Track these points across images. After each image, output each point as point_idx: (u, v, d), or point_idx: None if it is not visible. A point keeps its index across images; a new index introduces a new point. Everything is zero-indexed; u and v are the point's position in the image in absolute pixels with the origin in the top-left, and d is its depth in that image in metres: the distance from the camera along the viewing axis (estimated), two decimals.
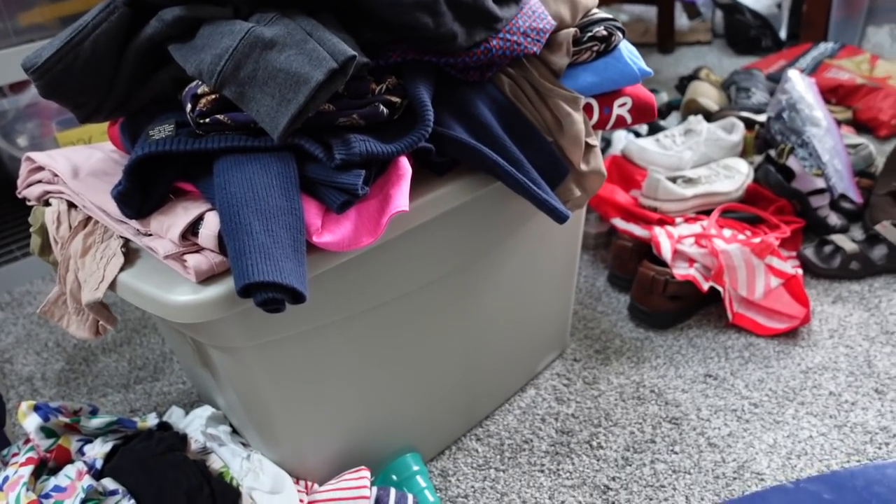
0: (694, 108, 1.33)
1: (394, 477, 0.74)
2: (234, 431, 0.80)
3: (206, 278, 0.51)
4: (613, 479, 0.76)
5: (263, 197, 0.49)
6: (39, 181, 0.66)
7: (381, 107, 0.56)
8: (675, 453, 0.78)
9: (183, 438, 0.72)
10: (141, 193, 0.53)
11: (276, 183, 0.51)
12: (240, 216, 0.48)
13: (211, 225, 0.51)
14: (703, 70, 1.54)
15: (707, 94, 1.35)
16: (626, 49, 0.71)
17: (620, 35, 0.70)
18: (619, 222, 1.05)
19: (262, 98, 0.51)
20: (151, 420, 0.75)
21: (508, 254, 0.75)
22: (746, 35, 2.10)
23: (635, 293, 0.98)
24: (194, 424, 0.79)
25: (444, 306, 0.71)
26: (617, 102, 0.70)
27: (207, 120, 0.53)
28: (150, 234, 0.54)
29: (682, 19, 2.35)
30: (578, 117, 0.66)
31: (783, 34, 2.11)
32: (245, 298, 0.47)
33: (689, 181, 1.08)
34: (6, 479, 0.68)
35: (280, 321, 0.57)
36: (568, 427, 0.83)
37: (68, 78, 0.53)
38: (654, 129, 1.30)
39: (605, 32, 0.68)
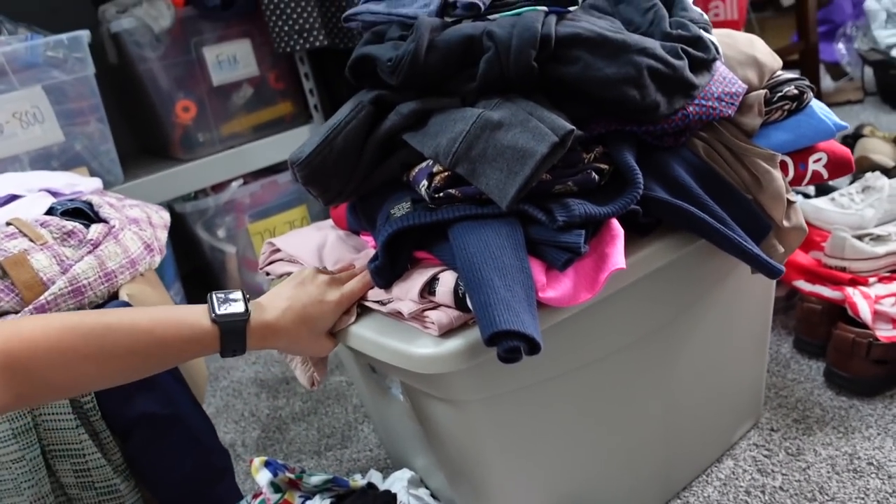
0: (867, 166, 1.27)
1: None
2: (433, 496, 0.82)
3: (445, 333, 0.56)
4: None
5: (499, 256, 0.54)
6: (280, 260, 0.75)
7: (593, 173, 0.61)
8: None
9: (394, 497, 0.75)
10: (391, 266, 0.60)
11: (507, 244, 0.55)
12: (482, 273, 0.53)
13: (447, 282, 0.56)
14: (867, 127, 1.47)
15: (879, 149, 1.29)
16: (818, 105, 0.71)
17: (811, 93, 0.71)
18: (803, 284, 1.01)
19: (492, 172, 0.56)
20: (360, 480, 0.80)
21: (704, 314, 0.75)
22: None
23: (832, 358, 0.93)
24: (396, 486, 0.83)
25: (644, 366, 0.72)
26: (812, 158, 0.70)
27: (441, 194, 0.59)
28: (392, 301, 0.60)
29: (825, 80, 2.27)
30: (777, 174, 0.66)
31: None
32: (490, 347, 0.51)
33: (877, 238, 1.03)
34: None
35: (507, 375, 0.60)
36: (778, 501, 0.78)
37: (324, 168, 0.62)
38: (822, 191, 1.25)
39: (795, 91, 0.69)
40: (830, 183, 1.30)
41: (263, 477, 0.75)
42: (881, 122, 1.92)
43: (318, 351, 0.66)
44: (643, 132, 0.64)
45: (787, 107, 0.69)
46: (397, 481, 0.83)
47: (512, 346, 0.49)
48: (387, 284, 0.60)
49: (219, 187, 1.45)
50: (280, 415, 1.18)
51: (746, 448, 0.87)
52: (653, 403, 0.74)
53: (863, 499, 0.76)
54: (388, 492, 0.75)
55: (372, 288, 0.63)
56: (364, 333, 0.61)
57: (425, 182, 0.59)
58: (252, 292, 1.52)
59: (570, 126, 0.56)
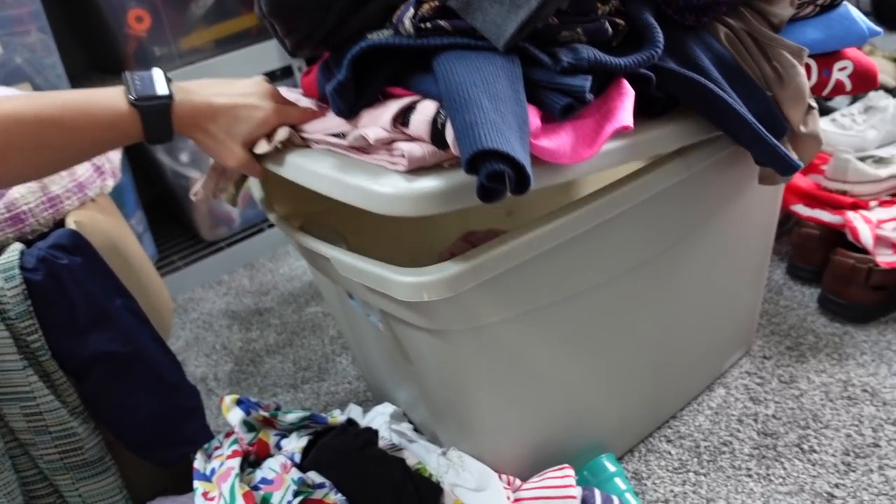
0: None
1: (590, 478, 0.70)
2: (416, 430, 0.79)
3: (417, 171, 0.48)
4: (837, 486, 0.68)
5: (492, 82, 0.46)
6: None
7: (607, 24, 0.53)
8: None
9: (375, 433, 0.72)
10: (356, 89, 0.52)
11: (502, 73, 0.48)
12: (469, 94, 0.45)
13: (426, 111, 0.48)
14: (867, 46, 1.41)
15: (882, 68, 1.23)
16: (851, 6, 0.65)
17: None
18: (801, 209, 0.97)
19: (490, 5, 0.48)
20: (340, 416, 0.76)
21: (708, 236, 0.70)
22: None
23: (829, 284, 0.90)
24: (377, 421, 0.79)
25: (642, 293, 0.67)
26: (837, 65, 0.63)
27: (428, 24, 0.50)
28: (355, 130, 0.52)
29: None
30: (802, 71, 0.60)
31: None
32: (470, 174, 0.43)
33: (880, 161, 0.98)
34: (213, 470, 0.70)
35: (493, 303, 0.55)
36: (770, 429, 0.76)
37: None
38: (823, 111, 1.19)
39: None
40: (830, 104, 1.24)
41: (235, 416, 0.70)
42: (875, 42, 1.84)
43: (226, 157, 0.59)
44: (663, 1, 0.57)
45: (819, 2, 0.62)
46: (378, 416, 0.79)
47: (496, 169, 0.42)
48: (348, 108, 0.52)
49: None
50: (253, 347, 1.13)
51: (738, 376, 0.85)
52: (646, 332, 0.70)
53: (857, 425, 0.74)
54: (368, 428, 0.71)
55: (316, 118, 0.56)
56: (311, 166, 0.52)
57: (411, 10, 0.51)
58: (222, 223, 1.45)
59: None
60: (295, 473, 0.65)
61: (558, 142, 0.48)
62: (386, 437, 0.75)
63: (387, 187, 0.45)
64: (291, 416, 0.72)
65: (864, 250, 0.88)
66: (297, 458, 0.69)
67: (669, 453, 0.76)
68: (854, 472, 0.69)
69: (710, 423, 0.79)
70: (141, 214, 1.34)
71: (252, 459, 0.71)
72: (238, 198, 0.75)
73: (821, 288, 0.92)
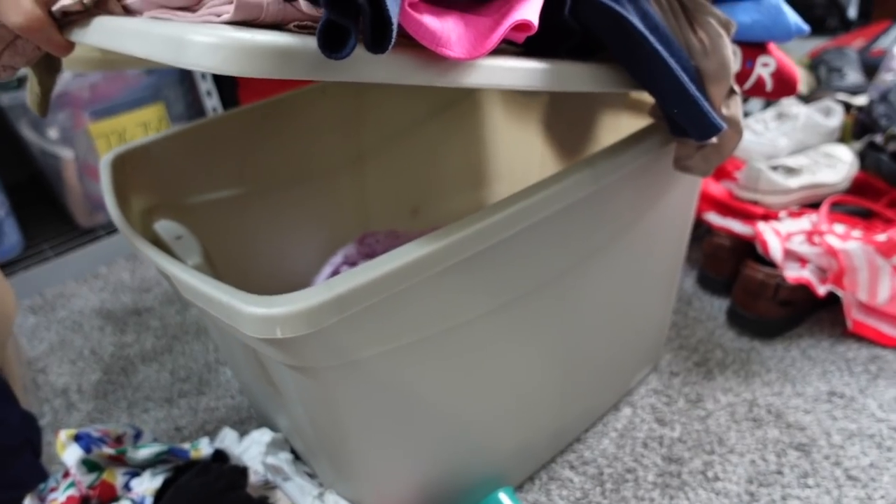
0: None
1: None
2: (297, 458, 0.71)
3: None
4: None
5: None
6: None
7: None
8: (809, 487, 0.67)
9: (243, 472, 0.63)
10: None
11: None
12: None
13: None
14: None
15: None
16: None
17: None
18: (714, 218, 0.94)
19: None
20: (205, 448, 0.66)
21: (617, 252, 0.65)
22: (811, 15, 1.95)
23: (738, 297, 0.87)
24: (252, 451, 0.70)
25: (544, 314, 0.61)
26: (761, 59, 0.59)
27: None
28: None
29: None
30: (729, 44, 0.54)
31: (853, 13, 1.96)
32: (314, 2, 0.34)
33: (790, 171, 0.97)
34: None
35: (367, 336, 0.47)
36: (676, 454, 0.72)
37: None
38: None
39: None
40: (744, 107, 1.23)
41: (72, 455, 0.59)
42: (786, 46, 1.87)
43: (7, 8, 0.44)
44: None
45: None
46: (255, 445, 0.70)
47: None
48: None
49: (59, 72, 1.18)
50: (127, 353, 1.01)
51: (646, 394, 0.81)
52: (547, 354, 0.64)
53: (761, 450, 0.72)
54: (235, 467, 0.62)
55: None
56: (121, 25, 0.40)
57: None
58: (101, 208, 1.29)
59: None
60: None
61: (445, 27, 0.39)
62: (260, 473, 0.66)
63: (203, 36, 0.34)
64: (144, 452, 0.62)
65: (772, 264, 0.86)
66: (148, 503, 0.59)
67: (572, 481, 0.71)
68: (757, 501, 0.66)
69: (615, 448, 0.74)
70: (3, 197, 1.18)
71: (95, 503, 0.61)
72: (47, 103, 0.59)
73: (730, 300, 0.89)
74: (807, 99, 1.19)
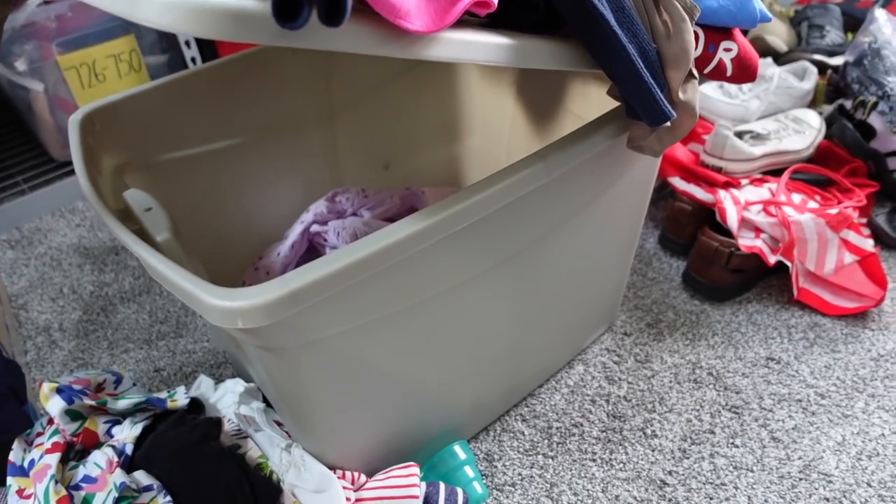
0: (760, 48, 1.20)
1: (440, 466, 0.70)
2: (269, 405, 0.75)
3: None
4: (670, 473, 0.72)
5: None
6: None
7: None
8: (737, 447, 0.74)
9: (217, 423, 0.67)
10: None
11: None
12: None
13: None
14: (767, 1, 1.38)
15: (776, 31, 1.22)
16: None
17: None
18: (678, 182, 0.97)
19: None
20: (181, 398, 0.71)
21: (575, 229, 0.68)
22: None
23: (693, 263, 0.91)
24: (226, 400, 0.74)
25: (501, 287, 0.64)
26: (724, 45, 0.60)
27: None
28: None
29: None
30: (691, 29, 0.55)
31: None
32: None
33: (757, 137, 0.98)
34: (32, 462, 0.64)
35: (326, 320, 0.50)
36: (620, 411, 0.78)
37: None
38: None
39: None
40: None
41: (55, 406, 0.63)
42: None
43: None
44: None
45: None
46: (229, 393, 0.75)
47: None
48: None
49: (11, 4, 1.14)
50: (106, 293, 1.04)
51: (599, 353, 0.86)
52: (504, 322, 0.69)
53: (697, 410, 0.78)
54: (209, 419, 0.66)
55: None
56: None
57: None
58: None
59: None
60: (119, 476, 0.60)
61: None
62: (233, 422, 0.71)
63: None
64: (124, 403, 0.67)
65: (727, 231, 0.89)
66: (129, 450, 0.64)
67: (523, 433, 0.77)
68: (688, 458, 0.73)
69: (564, 403, 0.80)
70: None
71: (79, 449, 0.66)
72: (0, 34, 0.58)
73: (686, 263, 0.93)
74: (784, 57, 1.19)
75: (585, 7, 0.49)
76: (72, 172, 1.26)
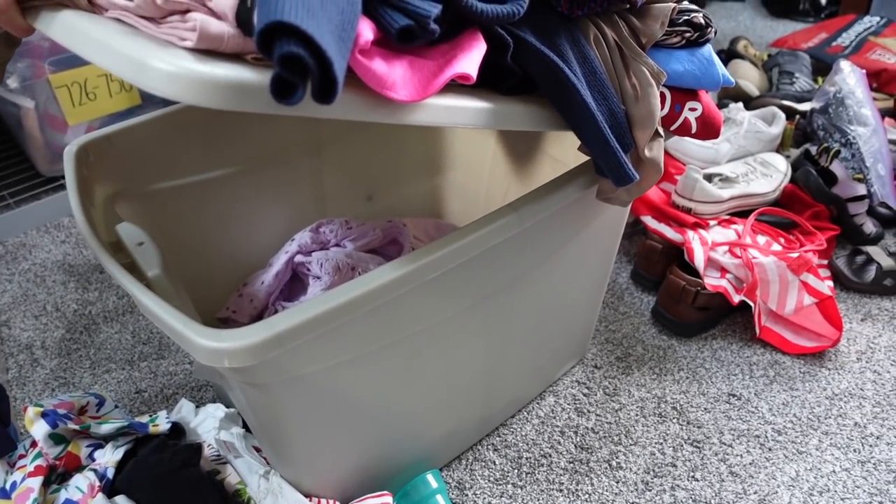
0: (733, 93, 1.25)
1: (413, 494, 0.72)
2: (249, 430, 0.78)
3: (211, 56, 0.39)
4: None
5: None
6: None
7: None
8: (696, 480, 0.77)
9: (197, 449, 0.69)
10: None
11: None
12: None
13: None
14: (742, 42, 1.45)
15: (748, 75, 1.27)
16: (713, 52, 0.65)
17: (713, 31, 0.63)
18: (650, 221, 1.01)
19: None
20: (163, 423, 0.73)
21: (549, 271, 0.71)
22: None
23: (662, 300, 0.95)
24: (206, 424, 0.76)
25: (474, 326, 0.68)
26: (689, 104, 0.64)
27: None
28: None
29: None
30: (657, 93, 0.60)
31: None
32: (262, 52, 0.36)
33: (726, 180, 1.03)
34: (14, 485, 0.65)
35: (307, 358, 0.53)
36: (588, 443, 0.82)
37: None
38: None
39: (702, 21, 0.61)
40: None
41: (39, 430, 0.65)
42: (756, 27, 1.91)
43: None
44: None
45: (687, 35, 0.62)
46: (209, 418, 0.77)
47: (292, 51, 0.35)
48: None
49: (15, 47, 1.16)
50: (90, 311, 1.05)
51: (569, 385, 0.89)
52: (478, 358, 0.72)
53: (661, 443, 0.81)
54: (190, 445, 0.69)
55: None
56: (84, 28, 0.42)
57: None
58: (61, 156, 1.30)
59: None
60: (100, 501, 0.62)
61: (391, 71, 0.43)
62: (213, 447, 0.73)
63: (164, 63, 0.37)
64: (107, 427, 0.69)
65: (695, 270, 0.93)
66: (110, 474, 0.66)
67: (494, 463, 0.80)
68: (650, 490, 0.76)
69: (535, 434, 0.83)
70: None
71: (61, 472, 0.68)
72: (3, 72, 0.62)
73: (656, 299, 0.97)
74: (755, 101, 1.24)
75: (559, 78, 0.52)
76: (59, 188, 1.27)
